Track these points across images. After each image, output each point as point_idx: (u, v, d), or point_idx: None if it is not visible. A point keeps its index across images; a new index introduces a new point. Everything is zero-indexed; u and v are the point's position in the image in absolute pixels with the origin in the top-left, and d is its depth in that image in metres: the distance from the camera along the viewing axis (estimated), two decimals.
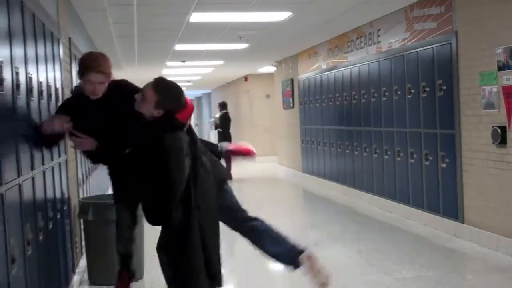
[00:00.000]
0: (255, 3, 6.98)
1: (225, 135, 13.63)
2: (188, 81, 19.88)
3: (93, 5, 6.59)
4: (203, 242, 3.79)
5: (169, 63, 13.38)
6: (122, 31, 8.45)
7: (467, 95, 6.37)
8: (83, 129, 3.93)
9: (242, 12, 7.61)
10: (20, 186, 3.03)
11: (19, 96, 3.13)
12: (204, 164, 3.92)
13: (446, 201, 6.84)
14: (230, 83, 21.37)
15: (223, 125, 13.58)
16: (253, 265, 5.93)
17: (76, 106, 4.03)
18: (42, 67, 4.00)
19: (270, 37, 9.88)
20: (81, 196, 6.14)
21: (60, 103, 4.82)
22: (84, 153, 4.30)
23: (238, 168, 15.19)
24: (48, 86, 4.21)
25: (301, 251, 4.24)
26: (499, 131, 5.77)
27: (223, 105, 13.97)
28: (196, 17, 7.74)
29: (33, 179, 3.41)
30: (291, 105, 13.42)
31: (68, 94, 5.55)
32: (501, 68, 5.77)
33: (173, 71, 15.66)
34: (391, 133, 8.13)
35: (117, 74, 17.14)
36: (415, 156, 7.46)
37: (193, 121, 20.10)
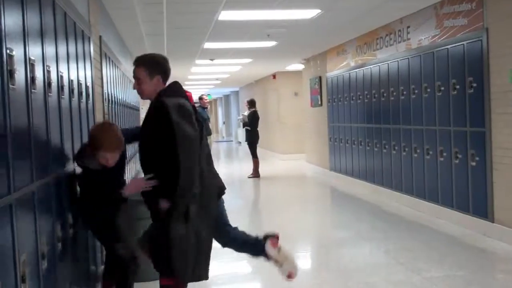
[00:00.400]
0: (283, 0, 6.98)
1: (253, 133, 13.64)
2: (217, 79, 19.95)
3: (123, 4, 6.65)
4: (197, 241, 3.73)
5: (198, 61, 13.44)
6: (152, 29, 8.52)
7: (498, 93, 6.28)
8: None
9: (270, 10, 7.62)
10: (51, 183, 3.08)
11: (50, 94, 3.18)
12: (212, 163, 3.92)
13: (476, 200, 6.76)
14: (258, 81, 21.37)
15: (252, 123, 13.58)
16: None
17: None
18: (73, 65, 4.05)
19: (299, 34, 9.87)
20: None
21: (90, 101, 4.89)
22: None
23: (266, 166, 15.22)
24: (79, 84, 4.27)
25: (266, 236, 4.27)
26: None
27: (251, 103, 13.95)
28: (225, 15, 7.77)
29: (64, 176, 3.46)
30: (319, 103, 13.37)
31: (98, 93, 5.62)
32: None
33: (202, 69, 15.74)
34: (420, 131, 8.05)
35: None
36: (444, 154, 7.39)
37: (220, 118, 20.49)
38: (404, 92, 8.50)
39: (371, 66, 9.88)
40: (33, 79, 2.77)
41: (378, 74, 9.56)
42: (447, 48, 7.25)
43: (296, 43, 11.17)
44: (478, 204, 6.71)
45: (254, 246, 4.34)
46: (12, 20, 2.47)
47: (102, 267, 4.58)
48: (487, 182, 6.50)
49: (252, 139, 13.64)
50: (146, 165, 3.74)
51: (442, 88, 7.36)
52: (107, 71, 6.61)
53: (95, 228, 4.06)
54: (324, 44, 11.76)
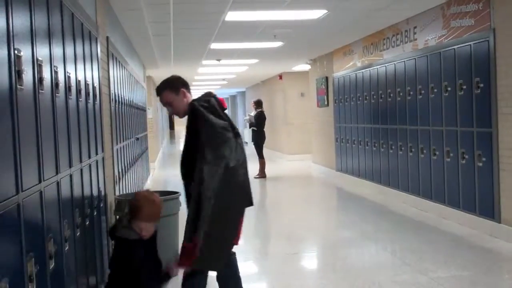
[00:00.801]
0: (290, 1, 6.99)
1: (259, 134, 13.64)
2: (223, 79, 19.97)
3: (130, 5, 6.68)
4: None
5: (204, 62, 13.47)
6: (159, 30, 8.54)
7: (505, 93, 6.27)
8: None
9: (277, 11, 7.63)
10: (58, 183, 3.10)
11: (58, 94, 3.20)
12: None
13: (483, 201, 6.75)
14: (264, 82, 21.39)
15: (258, 124, 13.59)
16: (285, 264, 5.96)
17: None
18: (80, 66, 4.07)
19: (305, 35, 9.87)
20: (117, 193, 6.24)
21: (98, 101, 4.91)
22: None
23: (273, 167, 15.22)
24: (86, 85, 4.29)
25: None
26: None
27: (258, 103, 13.94)
28: (232, 16, 7.79)
29: (71, 176, 3.48)
30: (326, 103, 13.37)
31: (105, 93, 5.65)
32: None
33: (208, 70, 15.76)
34: (427, 131, 8.04)
35: (153, 72, 17.30)
36: (451, 154, 7.37)
37: None
38: (411, 93, 8.49)
39: (378, 67, 9.87)
40: (41, 79, 2.79)
41: (385, 75, 9.55)
42: (454, 49, 7.24)
43: (302, 44, 11.18)
44: (485, 204, 6.70)
45: None
46: (20, 20, 2.49)
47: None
48: (494, 183, 6.49)
49: (259, 139, 13.64)
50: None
51: (449, 89, 7.35)
52: (114, 72, 6.63)
53: None
54: (330, 44, 11.77)
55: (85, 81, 4.27)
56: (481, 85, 6.64)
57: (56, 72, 3.17)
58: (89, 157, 4.28)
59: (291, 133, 17.84)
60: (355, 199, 10.00)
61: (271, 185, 12.46)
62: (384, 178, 9.81)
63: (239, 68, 15.88)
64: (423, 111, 8.13)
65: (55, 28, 3.25)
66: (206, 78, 18.89)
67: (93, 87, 4.68)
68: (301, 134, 17.47)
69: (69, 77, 3.56)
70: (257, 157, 13.50)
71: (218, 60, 13.13)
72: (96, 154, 4.68)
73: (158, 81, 17.17)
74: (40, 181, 2.70)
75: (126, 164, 7.51)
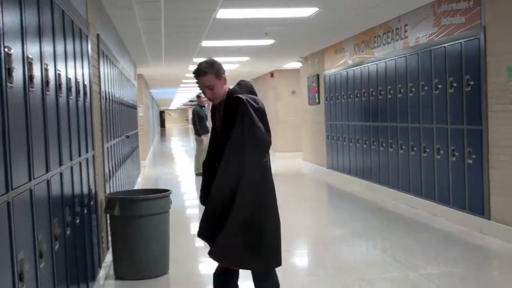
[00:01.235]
0: None
1: None
2: None
3: (121, 2, 6.66)
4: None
5: (196, 60, 13.45)
6: (150, 28, 8.52)
7: (495, 91, 6.30)
8: None
9: (268, 8, 7.63)
10: (48, 181, 3.09)
11: (48, 92, 3.19)
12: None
13: (473, 198, 6.78)
14: (256, 79, 21.38)
15: None
16: None
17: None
18: (71, 64, 4.06)
19: (297, 33, 9.88)
20: (107, 191, 6.23)
21: (88, 99, 4.90)
22: None
23: None
24: (77, 83, 4.28)
25: None
26: None
27: None
28: (223, 14, 7.78)
29: (61, 174, 3.47)
30: (317, 101, 13.39)
31: (96, 91, 5.64)
32: None
33: None
34: (417, 129, 8.07)
35: (144, 70, 17.26)
36: (441, 152, 7.41)
37: None
38: (402, 90, 8.52)
39: (369, 64, 9.90)
40: (31, 77, 2.78)
41: (376, 72, 9.58)
42: (445, 46, 7.27)
43: (294, 41, 11.18)
44: (475, 201, 6.73)
45: None
46: (10, 18, 2.48)
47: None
48: (484, 180, 6.52)
49: None
50: None
51: (439, 86, 7.38)
52: (105, 70, 6.61)
53: None
54: (322, 42, 11.78)
55: (76, 79, 4.25)
56: (472, 82, 6.67)
57: (46, 70, 3.16)
58: (80, 155, 4.27)
59: (282, 131, 17.85)
60: (345, 197, 10.03)
61: None
62: (374, 176, 9.84)
63: (230, 65, 15.85)
64: (413, 108, 8.16)
65: (46, 26, 3.24)
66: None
67: (84, 85, 4.66)
68: (292, 131, 17.48)
69: (59, 75, 3.55)
70: None
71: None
72: (87, 152, 4.67)
73: (149, 80, 17.28)
74: (30, 179, 2.69)
75: (116, 162, 7.50)
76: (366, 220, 7.85)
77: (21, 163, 2.59)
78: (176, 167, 17.18)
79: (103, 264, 5.54)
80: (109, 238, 5.77)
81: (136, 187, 10.48)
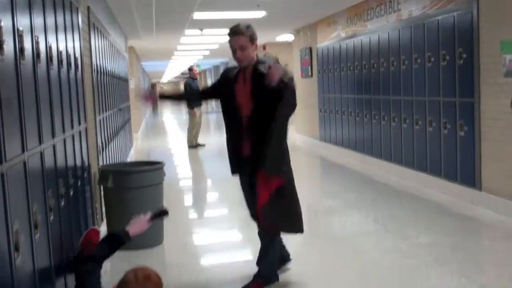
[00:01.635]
0: None
1: None
2: (206, 49, 19.83)
3: None
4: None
5: (187, 32, 13.36)
6: None
7: (488, 63, 6.31)
8: None
9: None
10: (41, 153, 3.10)
11: (39, 65, 3.17)
12: None
13: (464, 169, 6.84)
14: None
15: None
16: None
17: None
18: (61, 36, 4.04)
19: (289, 4, 9.81)
20: (100, 163, 6.24)
21: (79, 72, 4.88)
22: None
23: None
24: (68, 55, 4.26)
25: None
26: None
27: None
28: None
29: (54, 146, 3.47)
30: (309, 73, 13.37)
31: (87, 64, 5.61)
32: None
33: (191, 40, 15.63)
34: (409, 101, 8.09)
35: (135, 43, 17.11)
36: (433, 124, 7.44)
37: None
38: (394, 63, 8.52)
39: (362, 37, 9.86)
40: (22, 50, 2.76)
41: (369, 45, 9.55)
42: (438, 19, 7.25)
43: (286, 13, 11.11)
44: (466, 173, 6.79)
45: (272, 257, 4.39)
46: None
47: None
48: (475, 152, 6.57)
49: None
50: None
51: (432, 59, 7.38)
52: (96, 42, 6.57)
53: None
54: (314, 14, 11.71)
55: (67, 51, 4.23)
56: (464, 55, 6.67)
57: (37, 43, 3.14)
58: (72, 127, 4.27)
59: None
60: (338, 169, 10.08)
61: None
62: (367, 148, 9.88)
63: (222, 38, 15.75)
64: (406, 81, 8.17)
65: None
66: (189, 48, 18.74)
67: (75, 58, 4.64)
68: None
69: (50, 47, 3.53)
70: None
71: (201, 29, 13.02)
72: (79, 124, 4.67)
73: (140, 52, 17.15)
74: (23, 151, 2.70)
75: (109, 135, 7.49)
76: (359, 192, 7.91)
77: (14, 135, 2.59)
78: (168, 140, 17.18)
79: None
80: (103, 210, 5.80)
81: (128, 160, 10.49)
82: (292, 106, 4.00)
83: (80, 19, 5.19)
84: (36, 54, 3.09)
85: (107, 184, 5.30)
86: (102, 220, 6.01)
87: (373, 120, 9.50)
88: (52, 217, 3.22)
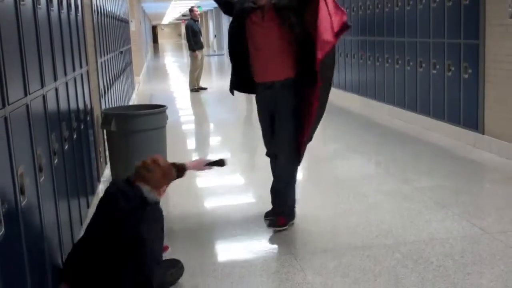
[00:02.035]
0: None
1: None
2: None
3: None
4: None
5: None
6: None
7: (494, 4, 6.19)
8: None
9: None
10: (44, 96, 3.08)
11: (39, 6, 3.13)
12: None
13: (467, 112, 6.81)
14: None
15: None
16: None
17: None
18: None
19: None
20: (103, 107, 6.22)
21: (80, 13, 4.80)
22: None
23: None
24: None
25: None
26: None
27: None
28: None
29: (56, 90, 3.45)
30: None
31: (87, 4, 5.51)
32: None
33: None
34: (414, 43, 7.99)
35: None
36: (437, 66, 7.37)
37: (211, 32, 20.18)
38: (399, 3, 8.37)
39: None
40: None
41: None
42: None
43: None
44: (469, 116, 6.77)
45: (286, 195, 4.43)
46: None
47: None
48: (479, 95, 6.53)
49: None
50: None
51: None
52: None
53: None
54: None
55: None
56: None
57: None
58: (74, 70, 4.24)
59: None
60: (341, 113, 10.05)
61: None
62: (370, 91, 9.83)
63: None
64: (410, 22, 8.04)
65: None
66: None
67: None
68: None
69: None
70: None
71: None
72: (81, 67, 4.64)
73: None
74: (26, 95, 2.68)
75: (111, 78, 7.45)
76: (361, 135, 7.91)
77: (16, 78, 2.58)
78: (170, 83, 17.09)
79: (102, 179, 5.62)
80: (107, 153, 5.82)
81: (131, 103, 10.47)
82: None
83: None
84: None
85: (110, 128, 5.29)
86: (106, 163, 6.04)
87: (376, 63, 9.41)
88: (56, 161, 3.23)
